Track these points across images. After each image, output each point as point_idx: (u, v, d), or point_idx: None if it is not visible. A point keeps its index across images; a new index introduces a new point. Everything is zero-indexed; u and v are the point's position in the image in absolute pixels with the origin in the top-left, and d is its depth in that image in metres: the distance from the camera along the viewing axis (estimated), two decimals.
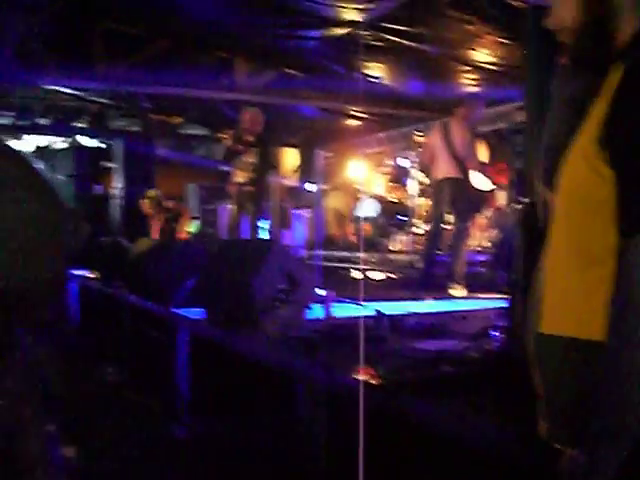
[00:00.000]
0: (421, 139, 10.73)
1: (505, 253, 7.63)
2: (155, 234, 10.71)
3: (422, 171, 10.47)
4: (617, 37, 1.41)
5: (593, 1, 1.44)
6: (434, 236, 8.12)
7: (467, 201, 7.67)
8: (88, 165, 13.01)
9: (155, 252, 6.89)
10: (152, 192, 10.85)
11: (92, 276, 8.66)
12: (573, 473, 1.30)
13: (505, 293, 5.33)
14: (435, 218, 8.10)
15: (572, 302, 1.27)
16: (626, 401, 1.13)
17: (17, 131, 13.69)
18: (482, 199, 8.39)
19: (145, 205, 10.66)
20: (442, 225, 8.26)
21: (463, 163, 7.62)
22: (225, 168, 10.09)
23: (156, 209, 10.58)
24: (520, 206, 3.04)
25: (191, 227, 10.84)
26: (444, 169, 7.70)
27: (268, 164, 8.88)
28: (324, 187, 13.68)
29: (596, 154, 1.24)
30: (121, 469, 4.29)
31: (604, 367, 1.18)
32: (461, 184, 7.59)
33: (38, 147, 14.60)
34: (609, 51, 1.41)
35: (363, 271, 9.92)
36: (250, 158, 8.59)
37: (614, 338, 1.16)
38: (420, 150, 10.20)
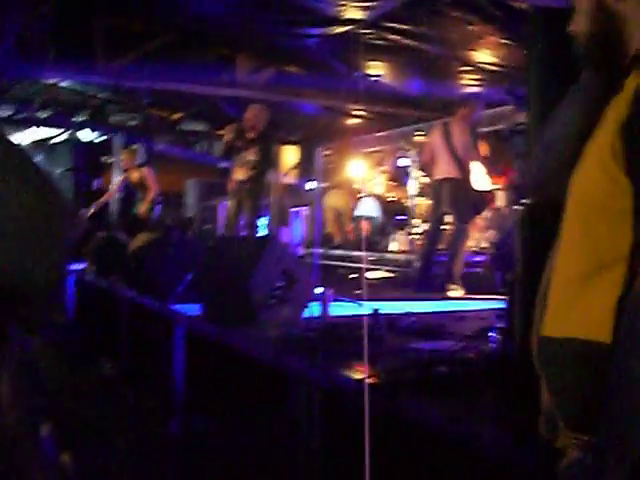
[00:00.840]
0: (421, 139, 10.70)
1: (503, 254, 7.61)
2: (111, 189, 10.75)
3: (422, 171, 10.45)
4: (630, 45, 1.42)
5: (599, 12, 1.45)
6: (433, 236, 8.12)
7: (466, 201, 7.65)
8: (87, 159, 13.01)
9: (153, 247, 6.89)
10: (135, 146, 10.84)
11: (89, 270, 8.65)
12: (574, 476, 1.30)
13: (503, 294, 5.33)
14: (434, 218, 8.10)
15: (581, 305, 1.28)
16: (636, 407, 1.12)
17: (16, 124, 13.68)
18: (482, 200, 8.37)
19: (123, 157, 10.64)
20: (441, 225, 8.25)
21: (463, 163, 7.60)
22: (224, 165, 10.07)
23: (131, 165, 10.51)
24: (520, 207, 3.04)
25: (149, 209, 10.58)
26: (444, 169, 7.69)
27: (268, 162, 8.86)
28: (323, 185, 13.67)
29: (612, 161, 1.24)
30: (115, 465, 4.28)
31: (613, 372, 1.17)
32: (461, 184, 7.58)
33: (37, 140, 14.59)
34: (620, 60, 1.42)
35: (361, 270, 9.91)
36: (250, 155, 8.56)
37: (625, 342, 1.16)
38: (420, 150, 10.19)
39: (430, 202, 8.92)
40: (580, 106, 1.51)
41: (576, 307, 1.29)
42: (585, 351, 1.26)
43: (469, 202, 7.71)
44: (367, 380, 3.00)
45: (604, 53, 1.47)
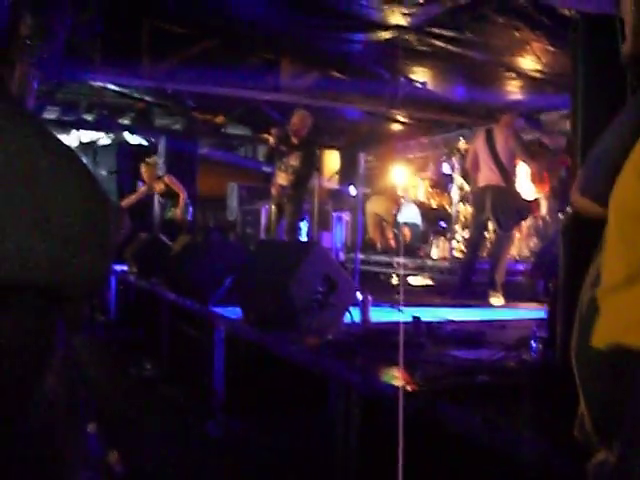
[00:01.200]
0: (465, 145, 10.66)
1: (546, 263, 7.55)
2: (135, 198, 10.75)
3: (464, 177, 10.41)
4: None
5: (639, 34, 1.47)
6: (474, 243, 8.09)
7: (509, 209, 7.59)
8: (131, 162, 13.11)
9: (194, 250, 6.93)
10: (153, 159, 10.85)
11: (130, 271, 8.74)
12: (599, 475, 1.31)
13: (545, 303, 5.29)
14: (476, 225, 8.06)
15: (617, 312, 1.31)
16: None
17: (62, 126, 13.85)
18: (525, 207, 8.30)
19: (143, 170, 10.65)
20: (483, 232, 8.21)
21: (506, 171, 7.55)
22: (267, 169, 10.10)
23: (152, 178, 10.55)
24: (564, 215, 3.02)
25: (184, 212, 10.68)
26: (487, 176, 7.65)
27: (311, 167, 8.87)
28: (365, 190, 13.64)
29: None
30: (154, 466, 4.31)
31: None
32: (504, 192, 7.53)
33: (82, 142, 14.78)
34: None
35: (402, 276, 9.88)
36: (293, 160, 8.58)
37: None
38: (463, 156, 10.15)
39: (472, 209, 8.88)
40: (631, 121, 1.53)
41: (612, 314, 1.32)
42: (619, 355, 1.28)
43: (512, 210, 7.65)
44: (403, 387, 3.00)
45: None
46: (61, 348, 1.20)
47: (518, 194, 7.96)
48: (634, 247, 1.30)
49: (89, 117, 14.16)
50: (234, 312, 5.24)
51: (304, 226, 9.98)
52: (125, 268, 8.97)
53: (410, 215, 11.79)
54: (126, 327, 8.42)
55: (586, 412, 1.39)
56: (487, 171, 7.64)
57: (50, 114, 13.78)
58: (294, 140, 8.59)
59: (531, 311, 5.84)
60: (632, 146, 1.40)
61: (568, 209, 2.96)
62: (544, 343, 3.60)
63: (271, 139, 8.82)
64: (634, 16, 1.48)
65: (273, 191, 8.86)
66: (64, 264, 1.12)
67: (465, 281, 7.83)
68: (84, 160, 1.24)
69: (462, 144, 10.92)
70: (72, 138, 14.61)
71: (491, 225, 8.13)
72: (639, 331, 1.26)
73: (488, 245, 8.82)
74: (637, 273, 1.28)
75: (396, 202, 12.32)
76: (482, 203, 7.74)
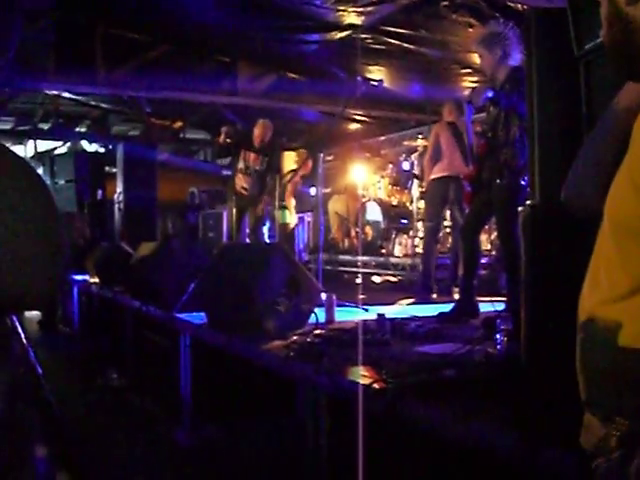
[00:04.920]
0: (423, 142, 10.70)
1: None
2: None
3: (422, 174, 10.44)
4: None
5: (615, 19, 1.38)
6: (434, 238, 8.04)
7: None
8: (89, 170, 12.96)
9: (157, 256, 6.88)
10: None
11: (93, 281, 8.64)
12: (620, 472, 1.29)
13: (507, 296, 5.32)
14: (433, 220, 8.04)
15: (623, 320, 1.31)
16: None
17: (17, 136, 13.69)
18: None
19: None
20: (441, 226, 8.19)
21: (453, 164, 7.55)
22: (227, 172, 10.06)
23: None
24: (523, 209, 3.03)
25: None
26: (440, 170, 7.66)
27: (274, 171, 8.88)
28: (326, 191, 13.64)
29: None
30: (123, 476, 4.28)
31: None
32: (457, 184, 7.50)
33: (38, 152, 14.61)
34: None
35: (365, 275, 9.90)
36: (256, 164, 8.61)
37: None
38: (421, 154, 10.19)
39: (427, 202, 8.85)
40: (612, 133, 1.50)
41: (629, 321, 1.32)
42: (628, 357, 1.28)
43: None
44: (367, 385, 3.00)
45: (628, 63, 1.41)
46: (12, 365, 1.17)
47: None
48: (632, 260, 1.29)
49: (45, 126, 14.01)
50: (199, 317, 5.21)
51: (266, 229, 9.95)
52: (87, 278, 8.87)
53: (372, 213, 11.82)
54: (91, 337, 8.34)
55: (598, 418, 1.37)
56: (440, 164, 7.63)
57: (4, 125, 13.62)
58: (257, 144, 8.61)
59: (495, 304, 5.86)
60: (623, 150, 1.37)
61: (527, 203, 2.97)
62: (508, 336, 3.62)
63: (221, 137, 8.79)
64: (607, 4, 1.40)
65: (236, 194, 8.82)
66: (12, 276, 1.10)
67: (428, 277, 7.81)
68: (40, 170, 1.22)
69: (421, 141, 10.96)
70: (28, 148, 14.44)
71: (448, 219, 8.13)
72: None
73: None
74: (637, 284, 1.27)
75: (357, 201, 12.35)
76: (437, 197, 7.68)
